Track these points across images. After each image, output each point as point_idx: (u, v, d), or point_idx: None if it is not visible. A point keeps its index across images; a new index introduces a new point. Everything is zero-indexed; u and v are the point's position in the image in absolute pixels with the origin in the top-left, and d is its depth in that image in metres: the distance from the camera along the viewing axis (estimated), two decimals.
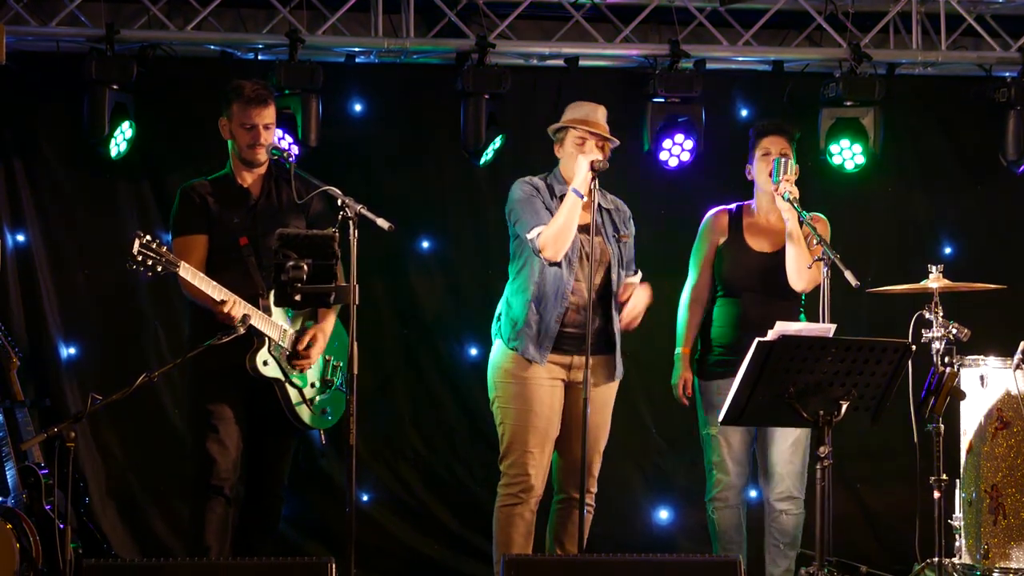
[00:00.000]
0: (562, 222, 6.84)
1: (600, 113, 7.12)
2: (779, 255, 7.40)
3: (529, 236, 6.91)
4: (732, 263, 7.50)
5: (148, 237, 6.37)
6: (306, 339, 6.85)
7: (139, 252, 6.34)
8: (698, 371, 7.53)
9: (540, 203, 7.00)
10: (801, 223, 7.17)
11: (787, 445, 7.37)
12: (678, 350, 7.54)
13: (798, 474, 7.40)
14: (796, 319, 7.32)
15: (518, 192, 7.08)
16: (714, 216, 7.61)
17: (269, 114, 6.92)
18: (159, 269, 6.40)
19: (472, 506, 8.59)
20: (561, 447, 7.06)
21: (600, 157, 6.85)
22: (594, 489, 7.09)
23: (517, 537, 6.95)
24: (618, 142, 7.12)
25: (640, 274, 7.17)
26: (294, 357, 6.82)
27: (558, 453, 7.08)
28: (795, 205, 7.13)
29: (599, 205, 6.96)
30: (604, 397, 7.13)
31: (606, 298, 7.07)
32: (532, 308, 6.96)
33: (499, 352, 7.07)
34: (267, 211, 6.93)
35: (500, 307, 7.15)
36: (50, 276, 8.39)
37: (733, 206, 7.61)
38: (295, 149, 8.11)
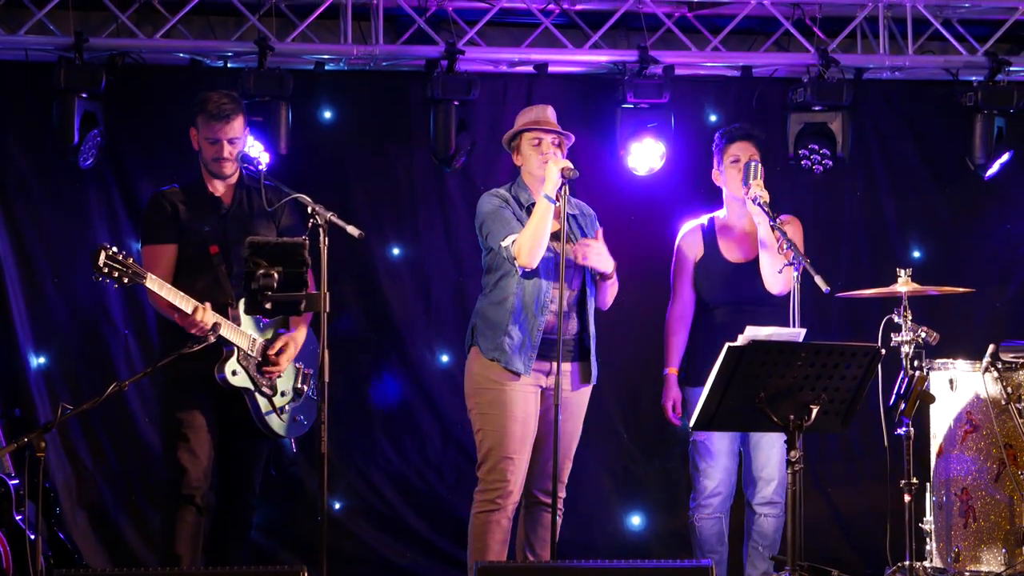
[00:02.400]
0: (534, 228, 6.85)
1: (549, 112, 7.17)
2: (754, 263, 7.44)
3: (503, 244, 6.92)
4: (709, 277, 7.53)
5: (114, 249, 6.36)
6: (277, 346, 6.85)
7: (105, 264, 6.33)
8: (684, 379, 7.56)
9: (509, 213, 7.02)
10: (773, 228, 7.19)
11: (775, 451, 7.38)
12: (666, 370, 7.56)
13: (782, 479, 7.41)
14: (785, 323, 7.30)
15: (486, 205, 7.10)
16: (688, 233, 7.65)
17: (234, 128, 6.91)
18: (125, 281, 6.39)
19: (444, 513, 8.58)
20: (532, 451, 7.06)
21: (569, 165, 6.86)
22: (563, 494, 7.09)
23: (493, 544, 6.95)
24: (573, 137, 7.15)
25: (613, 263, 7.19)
26: (264, 364, 6.82)
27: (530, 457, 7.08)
28: (766, 209, 7.16)
29: (564, 213, 6.99)
30: (578, 403, 7.15)
31: (581, 304, 7.08)
32: (512, 320, 6.96)
33: (476, 361, 7.07)
34: (238, 219, 6.93)
35: (474, 317, 7.14)
36: (20, 285, 8.35)
37: (705, 220, 7.64)
38: (265, 157, 8.08)
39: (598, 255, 6.98)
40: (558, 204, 6.85)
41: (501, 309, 7.00)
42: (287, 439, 7.03)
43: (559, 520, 7.03)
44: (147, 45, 8.31)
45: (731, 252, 7.56)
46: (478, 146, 8.55)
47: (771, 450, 7.41)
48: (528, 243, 6.86)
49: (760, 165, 7.31)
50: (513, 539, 7.15)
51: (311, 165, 8.46)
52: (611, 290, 7.15)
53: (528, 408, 7.00)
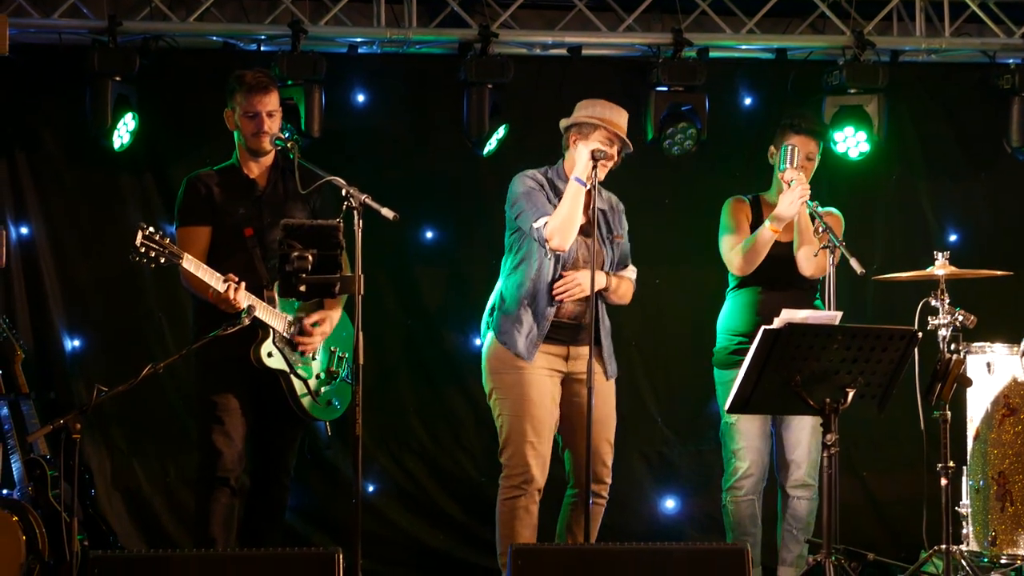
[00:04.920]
0: (567, 210, 6.83)
1: (625, 119, 7.08)
2: (790, 244, 7.40)
3: (536, 226, 6.89)
4: None
5: (151, 229, 6.37)
6: (313, 317, 6.83)
7: (142, 244, 6.33)
8: (717, 361, 7.53)
9: (543, 196, 6.98)
10: (811, 214, 7.14)
11: (805, 433, 7.37)
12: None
13: (815, 462, 7.39)
14: (811, 307, 7.30)
15: (520, 185, 7.06)
16: (737, 200, 7.57)
17: (271, 101, 6.91)
18: (162, 261, 6.40)
19: (477, 496, 8.58)
20: (571, 441, 7.05)
21: (600, 146, 6.83)
22: (608, 480, 7.08)
23: (522, 530, 6.94)
24: (632, 149, 7.09)
25: (634, 269, 7.18)
26: (299, 334, 6.80)
27: (568, 447, 7.07)
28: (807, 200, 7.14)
29: (595, 206, 6.96)
30: (607, 387, 7.12)
31: (595, 297, 7.04)
32: (525, 304, 6.95)
33: (492, 345, 7.06)
34: (272, 202, 6.93)
35: (494, 299, 7.14)
36: (54, 269, 8.38)
37: (749, 196, 7.59)
38: (299, 140, 8.08)
39: (579, 289, 6.92)
40: (588, 186, 6.82)
41: (517, 294, 6.99)
42: (322, 422, 7.03)
43: (601, 507, 7.04)
44: (180, 28, 8.32)
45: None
46: (511, 129, 8.53)
47: (802, 432, 7.39)
48: (560, 225, 6.83)
49: (800, 150, 7.27)
50: (548, 528, 7.15)
51: (344, 148, 8.46)
52: (614, 295, 7.11)
53: (544, 391, 6.98)
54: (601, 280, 6.98)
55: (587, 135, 7.00)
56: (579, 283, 6.92)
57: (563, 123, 7.12)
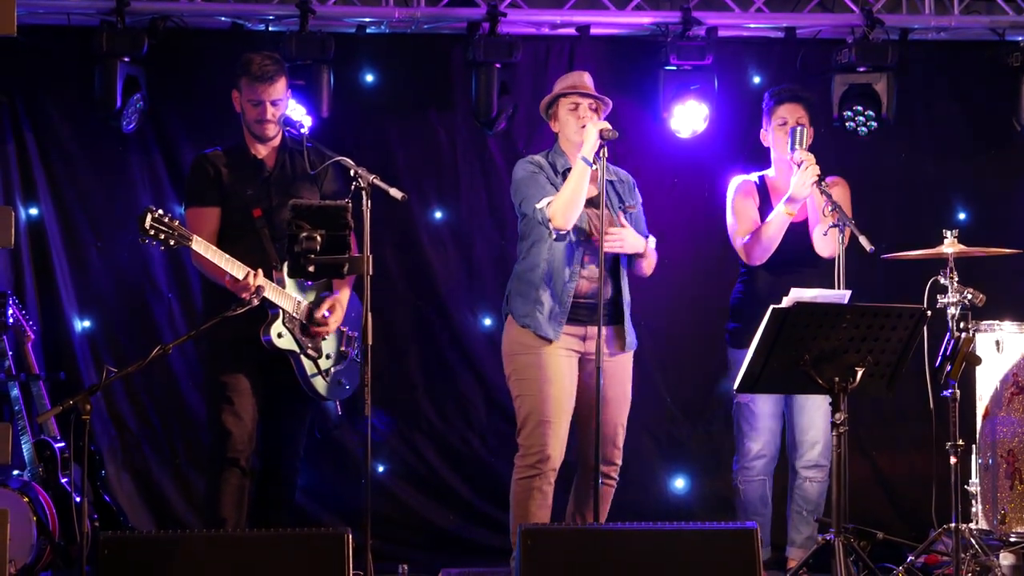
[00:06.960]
0: (571, 190, 6.83)
1: (586, 78, 7.15)
2: (802, 225, 7.40)
3: (538, 207, 6.89)
4: None
5: (160, 211, 6.37)
6: (324, 307, 6.85)
7: (151, 227, 6.34)
8: (729, 340, 7.53)
9: (544, 178, 7.00)
10: (821, 192, 7.13)
11: (819, 413, 7.37)
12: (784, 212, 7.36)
13: (828, 442, 7.38)
14: (828, 285, 7.28)
15: (520, 171, 7.08)
16: (744, 184, 7.56)
17: (276, 90, 6.91)
18: (172, 243, 6.40)
19: (486, 476, 8.59)
20: (582, 421, 7.05)
21: (608, 126, 6.83)
22: (618, 462, 7.08)
23: (536, 510, 6.93)
24: (610, 102, 7.12)
25: (653, 239, 7.16)
26: (313, 324, 6.82)
27: (579, 427, 7.06)
28: (820, 183, 7.12)
29: (603, 180, 6.96)
30: (621, 368, 7.12)
31: (615, 270, 7.05)
32: (544, 284, 6.95)
33: (512, 327, 7.07)
34: (280, 182, 6.93)
35: (510, 285, 7.14)
36: (63, 250, 8.39)
37: (755, 177, 7.58)
38: (307, 120, 8.08)
39: (622, 243, 6.94)
40: (595, 167, 6.82)
41: (533, 276, 6.99)
42: (332, 402, 7.04)
43: (611, 489, 7.04)
44: (188, 8, 8.32)
45: None
46: (520, 109, 8.53)
47: (815, 413, 7.39)
48: (563, 205, 6.83)
49: (807, 129, 7.27)
50: (561, 508, 7.15)
51: (353, 128, 8.46)
52: (647, 263, 7.11)
53: (563, 371, 6.98)
54: (640, 244, 6.99)
55: (555, 111, 7.11)
56: (622, 237, 6.91)
57: (542, 106, 7.19)
